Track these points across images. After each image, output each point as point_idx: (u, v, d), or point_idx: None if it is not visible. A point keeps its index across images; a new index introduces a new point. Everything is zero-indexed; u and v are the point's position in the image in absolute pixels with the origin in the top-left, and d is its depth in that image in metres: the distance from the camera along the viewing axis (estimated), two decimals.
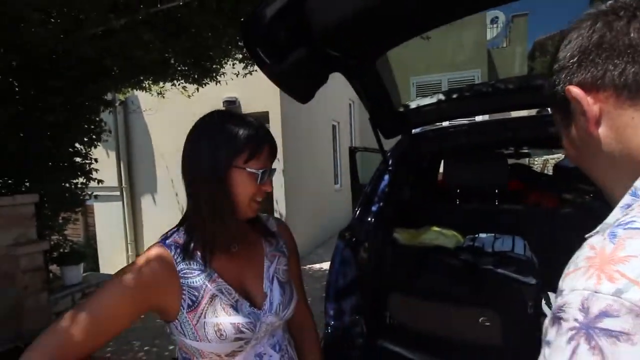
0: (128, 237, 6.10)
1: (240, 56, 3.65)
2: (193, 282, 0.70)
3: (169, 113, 5.20)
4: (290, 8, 0.92)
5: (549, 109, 1.92)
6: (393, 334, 1.47)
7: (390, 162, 1.78)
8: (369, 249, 1.53)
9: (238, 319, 0.70)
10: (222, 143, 0.69)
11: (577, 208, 1.66)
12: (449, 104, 1.70)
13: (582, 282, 0.34)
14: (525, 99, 1.66)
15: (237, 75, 3.97)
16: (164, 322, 0.74)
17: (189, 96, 4.13)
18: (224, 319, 0.69)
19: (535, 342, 1.31)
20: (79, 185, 3.67)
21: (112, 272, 0.74)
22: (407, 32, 1.23)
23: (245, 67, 3.78)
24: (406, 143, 1.84)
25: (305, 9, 0.96)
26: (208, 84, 3.89)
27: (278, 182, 5.25)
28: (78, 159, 3.62)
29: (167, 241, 0.73)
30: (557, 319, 0.35)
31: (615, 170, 0.43)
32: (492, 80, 1.78)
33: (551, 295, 1.59)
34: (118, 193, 6.03)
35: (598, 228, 0.42)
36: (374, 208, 1.65)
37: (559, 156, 5.44)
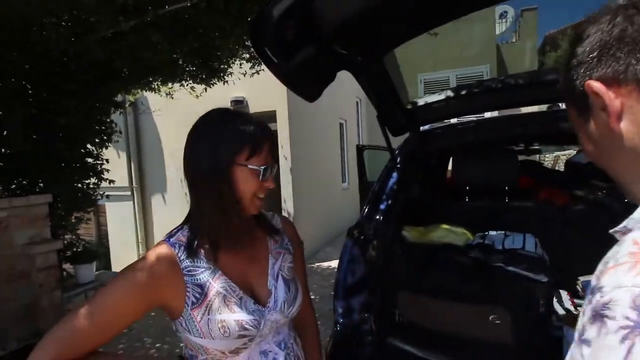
0: (139, 236, 6.19)
1: (248, 56, 3.67)
2: (197, 280, 0.71)
3: (177, 113, 5.25)
4: (298, 7, 0.92)
5: (560, 104, 1.89)
6: (402, 332, 1.47)
7: (398, 159, 1.77)
8: (377, 246, 1.53)
9: (242, 316, 0.71)
10: (223, 141, 0.70)
11: (589, 205, 1.64)
12: (457, 100, 1.69)
13: (629, 278, 0.33)
14: (536, 95, 1.63)
15: (244, 75, 4.00)
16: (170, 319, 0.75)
17: (197, 96, 4.17)
18: (228, 316, 0.70)
19: (547, 340, 1.30)
20: (91, 186, 3.74)
21: None
22: (414, 28, 1.23)
23: (252, 67, 3.81)
24: (414, 140, 1.83)
25: (312, 7, 0.96)
26: (216, 84, 3.92)
27: (286, 181, 5.27)
28: (90, 160, 3.69)
29: (171, 239, 0.74)
30: (600, 317, 0.33)
31: (636, 166, 0.42)
32: (502, 76, 1.75)
33: (563, 293, 1.57)
34: (129, 193, 6.13)
35: (625, 223, 0.41)
36: (382, 206, 1.65)
37: (571, 152, 5.35)
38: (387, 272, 1.53)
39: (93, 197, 3.76)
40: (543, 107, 2.21)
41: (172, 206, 5.85)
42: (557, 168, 6.07)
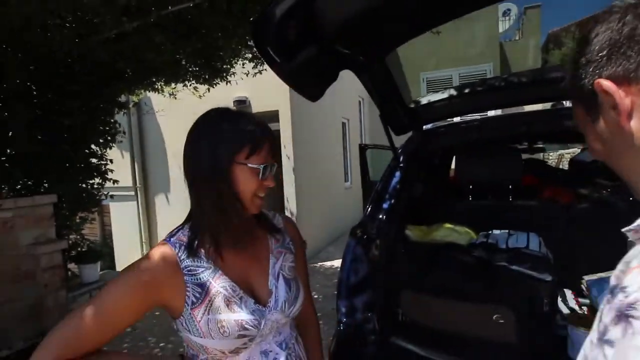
0: (143, 236, 6.22)
1: (250, 56, 3.68)
2: (197, 279, 0.71)
3: (180, 113, 5.26)
4: (300, 7, 0.92)
5: (564, 102, 1.88)
6: (406, 331, 1.47)
7: (401, 158, 1.77)
8: (380, 246, 1.53)
9: (241, 316, 0.70)
10: (222, 140, 0.70)
11: (593, 203, 1.63)
12: (460, 99, 1.68)
13: None
14: (540, 93, 1.62)
15: (247, 75, 4.00)
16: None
17: (200, 96, 4.19)
18: (227, 315, 0.70)
19: (551, 339, 1.29)
20: (95, 186, 3.76)
21: None
22: (416, 27, 1.22)
23: (254, 67, 3.81)
24: (417, 139, 1.82)
25: (315, 7, 0.96)
26: (218, 84, 3.93)
27: (288, 180, 5.28)
28: (94, 160, 3.72)
29: (171, 239, 0.74)
30: (625, 317, 0.33)
31: None
32: (505, 74, 1.74)
33: (567, 292, 1.56)
34: (133, 193, 6.16)
35: None
36: (385, 205, 1.65)
37: (575, 151, 5.32)
38: (390, 272, 1.53)
39: (97, 197, 3.78)
40: (547, 106, 2.20)
41: (176, 206, 5.87)
42: (561, 166, 6.03)
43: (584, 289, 1.38)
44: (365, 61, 1.33)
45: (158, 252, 0.72)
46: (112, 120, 3.78)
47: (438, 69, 8.17)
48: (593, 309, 1.34)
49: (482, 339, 1.32)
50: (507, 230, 1.60)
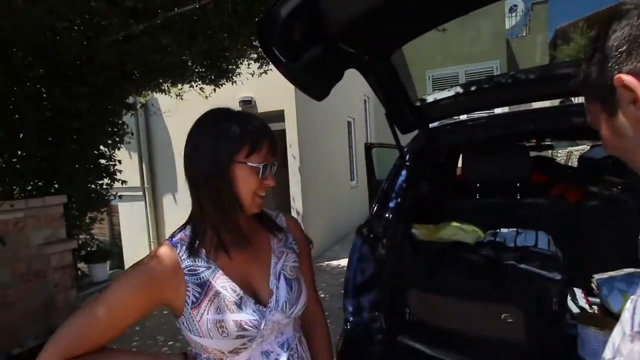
0: (151, 235, 6.29)
1: (255, 56, 3.70)
2: (197, 279, 0.71)
3: (187, 114, 5.29)
4: (305, 6, 0.93)
5: (572, 98, 1.85)
6: (413, 330, 1.46)
7: (407, 157, 1.76)
8: (387, 245, 1.53)
9: (241, 316, 0.70)
10: (222, 139, 0.70)
11: (603, 201, 1.60)
12: (467, 96, 1.67)
13: None
14: (548, 89, 1.61)
15: (252, 75, 4.02)
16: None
17: (206, 97, 4.22)
18: (226, 316, 0.70)
19: (560, 339, 1.27)
20: (104, 186, 3.81)
21: None
22: (422, 25, 1.22)
23: (260, 67, 3.83)
24: (423, 138, 1.81)
25: (319, 6, 0.96)
26: (224, 84, 3.96)
27: (294, 180, 5.29)
28: (103, 161, 3.77)
29: (173, 239, 0.75)
30: None
31: None
32: (512, 71, 1.73)
33: (577, 291, 1.54)
34: (141, 193, 6.23)
35: None
36: (391, 204, 1.64)
37: (584, 148, 5.24)
38: (396, 270, 1.53)
39: (106, 198, 3.83)
40: (555, 102, 2.17)
41: (183, 205, 5.92)
42: (570, 164, 5.95)
43: (594, 287, 1.36)
44: (371, 60, 1.32)
45: (159, 252, 0.73)
46: (120, 122, 3.83)
47: (444, 67, 8.11)
48: (603, 308, 1.32)
49: (490, 338, 1.31)
50: (515, 229, 1.59)
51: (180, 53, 3.01)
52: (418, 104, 1.76)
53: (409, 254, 1.56)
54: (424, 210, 1.81)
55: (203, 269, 0.72)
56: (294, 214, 5.26)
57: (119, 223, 6.83)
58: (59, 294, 3.08)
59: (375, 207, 1.69)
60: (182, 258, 0.72)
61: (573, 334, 1.23)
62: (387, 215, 1.61)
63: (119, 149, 3.89)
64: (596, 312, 1.40)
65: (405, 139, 1.77)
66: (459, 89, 1.67)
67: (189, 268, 0.72)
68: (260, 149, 0.71)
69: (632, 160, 0.47)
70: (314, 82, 1.28)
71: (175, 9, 2.47)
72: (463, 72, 7.95)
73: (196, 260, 0.73)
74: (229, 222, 0.72)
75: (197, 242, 0.73)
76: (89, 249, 3.98)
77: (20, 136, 3.06)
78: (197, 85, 4.01)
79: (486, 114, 1.94)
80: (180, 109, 5.12)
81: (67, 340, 0.65)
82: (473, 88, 1.66)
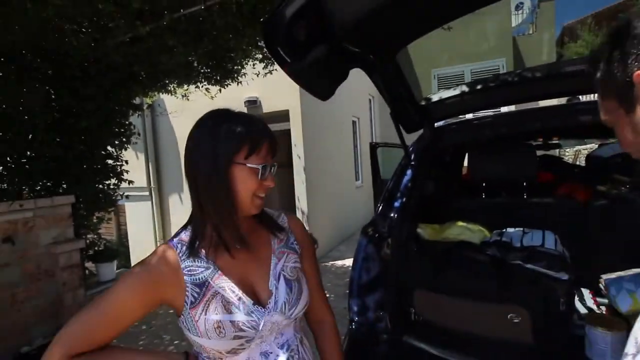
0: (157, 235, 6.34)
1: (260, 56, 3.71)
2: (196, 279, 0.72)
3: (193, 115, 5.30)
4: (309, 6, 0.93)
5: (579, 96, 1.83)
6: (418, 330, 1.46)
7: (412, 156, 1.76)
8: (392, 244, 1.52)
9: (238, 317, 0.71)
10: (222, 140, 0.70)
11: (611, 200, 1.58)
12: (473, 95, 1.66)
13: None
14: (555, 87, 1.59)
15: (257, 75, 4.04)
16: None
17: (211, 97, 4.24)
18: (224, 316, 0.70)
19: (568, 339, 1.26)
20: (112, 186, 3.85)
21: None
22: (427, 24, 1.21)
23: (265, 67, 3.84)
24: (429, 137, 1.80)
25: (324, 6, 0.96)
26: (230, 84, 3.98)
27: (299, 180, 5.30)
28: (110, 161, 3.81)
29: (174, 240, 0.76)
30: None
31: None
32: (519, 69, 1.71)
33: (585, 291, 1.53)
34: (147, 193, 6.28)
35: None
36: (396, 204, 1.64)
37: (592, 146, 5.18)
38: (402, 270, 1.52)
39: (113, 198, 3.87)
40: (562, 100, 2.15)
41: (189, 205, 5.80)
42: (577, 163, 5.89)
43: (602, 288, 1.35)
44: (376, 59, 1.32)
45: (160, 252, 0.74)
46: (127, 122, 3.86)
47: (449, 65, 8.06)
48: (611, 309, 1.30)
49: (496, 338, 1.30)
50: (521, 228, 1.58)
51: (186, 54, 3.03)
52: (423, 103, 1.75)
53: (414, 253, 1.56)
54: (429, 209, 1.80)
55: (202, 269, 0.73)
56: (298, 213, 5.27)
57: (125, 223, 6.89)
58: (67, 293, 3.12)
59: (381, 207, 1.69)
60: (182, 258, 0.73)
61: (580, 334, 1.22)
62: (392, 214, 1.60)
63: (126, 149, 3.93)
64: (604, 312, 1.39)
65: (411, 139, 1.76)
66: (465, 88, 1.66)
67: (188, 268, 0.72)
68: (259, 150, 0.72)
69: None
70: (319, 82, 1.28)
71: (181, 11, 2.49)
72: (469, 71, 7.89)
73: (196, 260, 0.73)
74: (229, 223, 0.73)
75: (197, 242, 0.74)
76: (96, 248, 4.03)
77: (29, 137, 3.11)
78: (202, 86, 4.04)
79: (492, 113, 1.92)
80: (186, 109, 5.15)
81: (72, 338, 0.66)
82: (479, 87, 1.65)
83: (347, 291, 1.60)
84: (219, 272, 0.73)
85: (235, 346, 0.71)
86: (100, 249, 4.06)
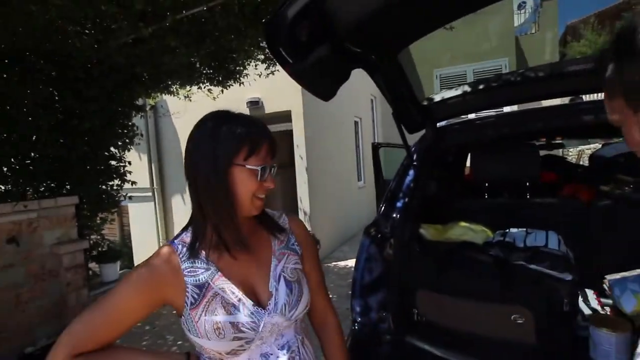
0: (160, 236, 6.36)
1: (263, 57, 3.72)
2: (196, 280, 0.72)
3: (195, 115, 5.30)
4: (311, 7, 0.93)
5: (582, 96, 1.81)
6: (421, 331, 1.45)
7: (414, 157, 1.76)
8: (394, 245, 1.52)
9: (237, 318, 0.71)
10: (221, 142, 0.70)
11: (615, 200, 1.57)
12: (475, 95, 1.65)
13: None
14: (559, 87, 1.58)
15: (259, 76, 4.04)
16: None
17: (214, 98, 4.25)
18: (223, 317, 0.70)
19: (572, 340, 1.25)
20: (115, 187, 3.86)
21: None
22: (429, 23, 1.21)
23: (267, 68, 3.85)
24: (431, 137, 1.80)
25: (326, 6, 0.97)
26: (232, 85, 3.99)
27: (302, 180, 5.30)
28: (113, 162, 3.82)
29: (175, 241, 0.76)
30: None
31: None
32: (521, 69, 1.70)
33: (589, 292, 1.52)
34: (150, 194, 6.30)
35: None
36: (399, 204, 1.64)
37: (596, 146, 5.16)
38: (404, 271, 1.52)
39: (116, 199, 3.89)
40: (565, 100, 2.14)
41: (192, 206, 5.98)
42: (581, 163, 5.86)
43: (606, 288, 1.34)
44: (377, 59, 1.32)
45: (160, 253, 0.74)
46: (129, 123, 3.88)
47: (452, 65, 8.04)
48: (616, 309, 1.30)
49: (499, 339, 1.29)
50: (524, 229, 1.57)
51: (188, 55, 3.04)
52: (425, 103, 1.74)
53: (416, 254, 1.55)
54: (431, 210, 1.80)
55: (202, 270, 0.73)
56: (301, 214, 5.27)
57: (129, 223, 6.92)
58: (70, 294, 3.14)
59: (383, 207, 1.68)
60: (182, 259, 0.73)
61: (584, 335, 1.21)
62: (394, 215, 1.60)
63: (128, 150, 3.95)
64: (608, 313, 1.38)
65: (413, 139, 1.76)
66: (467, 88, 1.66)
67: (189, 269, 0.73)
68: (259, 151, 0.72)
69: None
70: (321, 82, 1.28)
71: (184, 12, 2.50)
72: (471, 71, 7.88)
73: (196, 261, 0.73)
74: (229, 224, 0.73)
75: (197, 243, 0.74)
76: (99, 249, 4.05)
77: (33, 138, 3.13)
78: (205, 87, 4.05)
79: (495, 113, 1.92)
80: (188, 110, 5.17)
81: (76, 338, 0.67)
82: (481, 86, 1.65)
83: (350, 292, 1.60)
84: (219, 273, 0.73)
85: (235, 347, 0.71)
86: (103, 249, 4.08)
